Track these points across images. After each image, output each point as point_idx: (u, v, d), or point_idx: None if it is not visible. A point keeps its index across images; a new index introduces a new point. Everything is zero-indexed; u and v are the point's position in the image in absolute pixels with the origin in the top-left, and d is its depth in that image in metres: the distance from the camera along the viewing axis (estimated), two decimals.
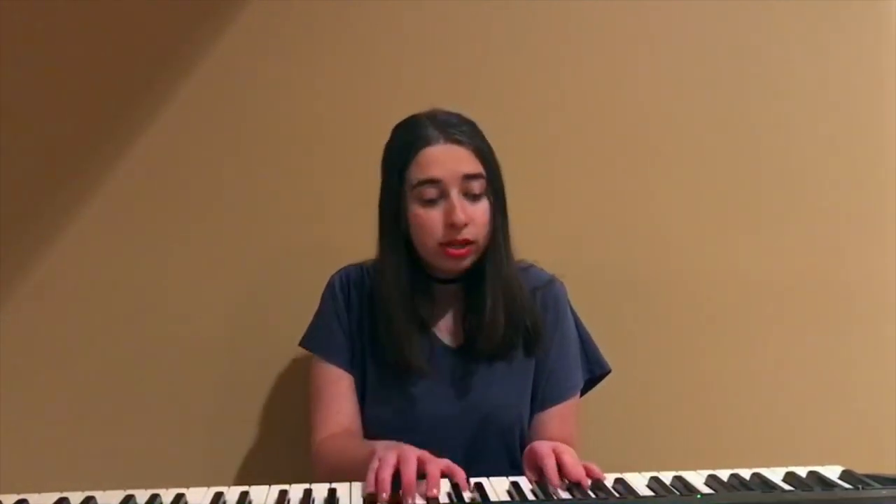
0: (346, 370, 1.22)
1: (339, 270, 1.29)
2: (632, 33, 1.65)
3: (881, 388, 1.69)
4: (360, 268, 1.28)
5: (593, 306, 1.35)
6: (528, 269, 1.28)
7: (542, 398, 1.24)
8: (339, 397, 1.21)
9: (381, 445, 1.00)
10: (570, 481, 0.95)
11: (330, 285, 1.28)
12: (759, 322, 1.69)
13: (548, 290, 1.27)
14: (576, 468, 0.95)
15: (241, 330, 1.57)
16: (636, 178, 1.66)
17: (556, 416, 1.24)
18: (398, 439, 1.05)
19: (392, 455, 0.93)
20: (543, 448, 1.00)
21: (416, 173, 1.14)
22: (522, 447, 1.21)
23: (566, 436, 1.19)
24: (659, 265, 1.67)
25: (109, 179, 1.54)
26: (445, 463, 0.95)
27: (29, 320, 1.52)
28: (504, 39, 1.62)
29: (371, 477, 0.92)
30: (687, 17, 1.66)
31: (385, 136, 1.37)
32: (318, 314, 1.28)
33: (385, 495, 0.89)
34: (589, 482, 0.95)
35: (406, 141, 1.17)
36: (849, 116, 1.71)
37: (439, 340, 1.24)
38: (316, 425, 1.21)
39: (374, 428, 1.21)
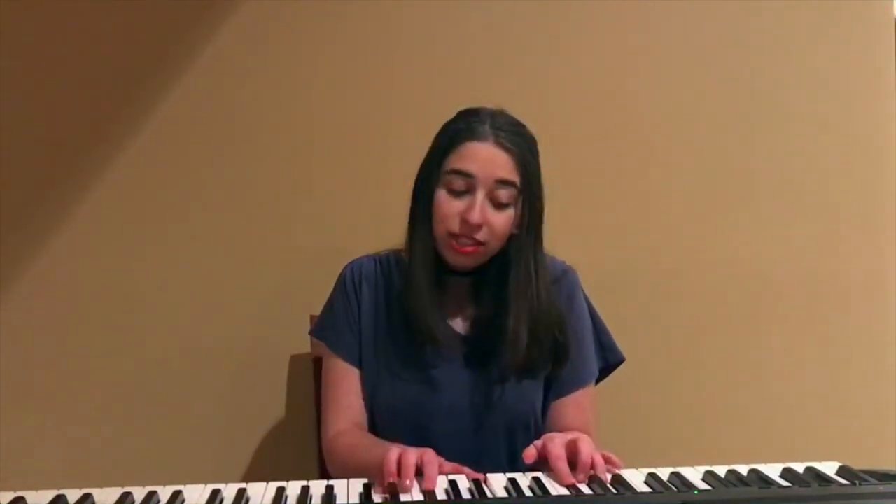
0: (353, 365, 1.24)
1: (352, 261, 1.29)
2: (635, 34, 1.66)
3: (879, 385, 1.70)
4: (374, 259, 1.29)
5: (592, 302, 1.36)
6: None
7: (557, 386, 1.25)
8: (348, 393, 1.23)
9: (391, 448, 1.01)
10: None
11: (341, 277, 1.28)
12: (757, 319, 1.69)
13: (562, 281, 1.28)
14: (592, 457, 0.96)
15: (242, 330, 1.58)
16: (640, 176, 1.67)
17: (571, 404, 1.25)
18: (411, 428, 1.09)
19: (395, 453, 0.96)
20: (556, 449, 0.99)
21: (453, 161, 1.16)
22: (534, 436, 1.21)
23: (583, 423, 1.20)
24: (658, 262, 1.67)
25: (113, 177, 1.54)
26: (450, 468, 0.97)
27: (28, 319, 1.52)
28: (508, 37, 1.62)
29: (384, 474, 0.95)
30: (690, 17, 1.67)
31: (387, 137, 1.38)
32: (330, 307, 1.29)
33: (391, 478, 0.92)
34: (609, 476, 0.96)
35: (457, 129, 1.18)
36: (849, 114, 1.71)
37: (452, 329, 1.24)
38: (326, 420, 1.23)
39: (386, 416, 1.22)
